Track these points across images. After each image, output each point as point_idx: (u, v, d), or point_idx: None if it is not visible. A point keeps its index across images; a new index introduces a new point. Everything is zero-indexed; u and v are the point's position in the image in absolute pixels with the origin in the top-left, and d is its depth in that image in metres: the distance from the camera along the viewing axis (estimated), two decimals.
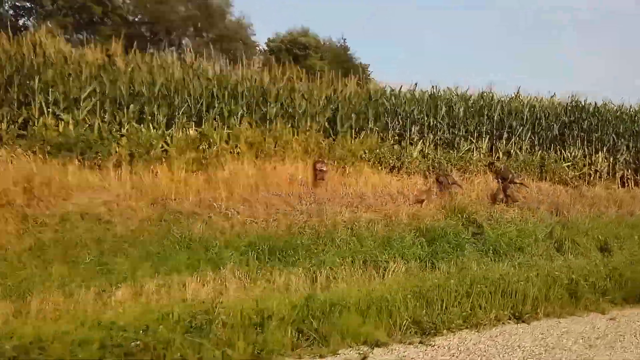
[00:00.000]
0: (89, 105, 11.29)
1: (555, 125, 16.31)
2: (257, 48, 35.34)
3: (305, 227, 9.92)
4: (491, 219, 11.60)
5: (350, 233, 10.09)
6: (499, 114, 15.61)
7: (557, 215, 12.43)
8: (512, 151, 15.44)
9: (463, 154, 14.55)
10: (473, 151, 15.02)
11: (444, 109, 14.94)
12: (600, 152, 16.75)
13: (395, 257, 9.17)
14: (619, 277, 8.57)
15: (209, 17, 31.40)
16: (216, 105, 12.40)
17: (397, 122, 14.16)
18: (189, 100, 12.09)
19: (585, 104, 17.23)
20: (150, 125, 11.41)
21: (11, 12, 28.28)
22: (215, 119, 12.23)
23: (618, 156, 17.06)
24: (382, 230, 10.42)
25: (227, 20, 32.21)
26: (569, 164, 16.13)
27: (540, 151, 15.84)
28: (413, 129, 14.32)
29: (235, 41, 31.78)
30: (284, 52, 34.41)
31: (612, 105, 17.85)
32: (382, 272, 8.81)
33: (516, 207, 12.37)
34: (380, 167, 12.43)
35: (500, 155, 15.05)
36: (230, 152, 11.04)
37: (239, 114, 12.48)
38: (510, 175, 13.19)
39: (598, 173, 16.63)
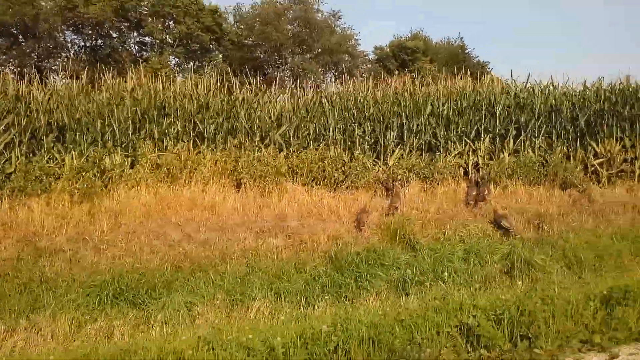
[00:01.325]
0: (7, 138, 11.10)
1: (580, 115, 13.80)
2: (365, 57, 35.72)
3: (186, 260, 8.84)
4: (441, 237, 9.81)
5: (243, 264, 8.89)
6: (504, 107, 13.49)
7: (539, 229, 10.26)
8: (521, 150, 13.28)
9: (452, 158, 12.77)
10: (469, 154, 13.12)
11: (428, 108, 13.17)
12: None
13: (267, 294, 7.85)
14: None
15: (313, 33, 31.93)
16: (147, 126, 11.78)
17: (369, 128, 12.68)
18: (114, 125, 11.56)
19: (624, 85, 14.47)
20: (72, 154, 11.03)
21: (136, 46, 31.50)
22: (146, 140, 11.62)
23: None
24: (290, 258, 9.09)
25: (332, 33, 32.30)
26: (600, 160, 13.63)
27: (561, 147, 13.50)
28: (389, 134, 12.72)
29: (340, 53, 32.28)
30: (391, 58, 34.55)
31: None
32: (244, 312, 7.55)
33: (485, 221, 10.38)
34: (321, 183, 11.03)
35: (506, 156, 12.97)
36: (134, 177, 10.25)
37: (172, 134, 11.77)
38: (481, 180, 11.20)
39: None
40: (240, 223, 9.87)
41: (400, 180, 11.15)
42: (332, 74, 33.33)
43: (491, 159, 13.14)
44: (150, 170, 10.31)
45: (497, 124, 13.33)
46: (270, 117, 12.00)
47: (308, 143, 12.25)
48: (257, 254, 9.14)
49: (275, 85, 13.90)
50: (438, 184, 11.32)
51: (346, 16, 64.51)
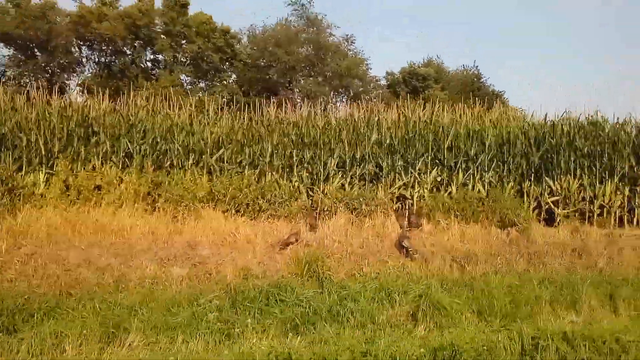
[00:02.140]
0: None
1: (533, 150, 13.43)
2: (377, 82, 36.04)
3: (78, 287, 8.54)
4: (357, 274, 9.44)
5: (137, 293, 8.55)
6: (452, 140, 13.13)
7: (463, 268, 9.85)
8: (469, 184, 12.90)
9: (395, 189, 12.43)
10: (414, 186, 12.76)
11: (374, 136, 12.87)
12: (608, 182, 13.53)
13: (146, 328, 7.51)
14: None
15: (323, 57, 32.25)
16: (75, 144, 11.58)
17: (307, 154, 12.38)
18: (40, 141, 11.37)
19: (584, 119, 14.12)
20: None
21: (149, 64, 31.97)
22: (74, 159, 11.42)
23: (638, 187, 13.72)
24: (188, 289, 8.76)
25: (345, 57, 32.68)
26: (556, 198, 13.22)
27: (512, 183, 13.11)
28: (330, 162, 12.41)
29: (350, 77, 32.25)
30: (402, 84, 34.72)
31: (619, 121, 14.48)
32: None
33: (412, 259, 9.99)
34: (243, 210, 10.71)
35: (454, 190, 12.57)
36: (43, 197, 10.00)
37: (100, 153, 11.56)
38: (410, 216, 10.84)
39: (605, 209, 13.46)
40: (147, 249, 9.58)
41: (326, 210, 10.78)
42: (342, 98, 33.36)
43: (439, 191, 12.78)
44: (61, 191, 10.02)
45: (446, 155, 12.97)
46: (202, 140, 11.70)
47: (244, 168, 11.97)
48: (156, 283, 8.82)
49: (283, 107, 13.87)
50: (365, 216, 10.92)
51: (359, 40, 64.93)
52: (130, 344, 7.18)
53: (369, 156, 12.64)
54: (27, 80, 28.36)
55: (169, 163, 11.85)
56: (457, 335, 6.16)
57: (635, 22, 66.06)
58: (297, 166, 12.20)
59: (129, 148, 11.67)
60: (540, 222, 12.90)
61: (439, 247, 10.36)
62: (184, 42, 30.85)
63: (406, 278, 9.42)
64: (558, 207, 13.32)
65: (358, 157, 12.59)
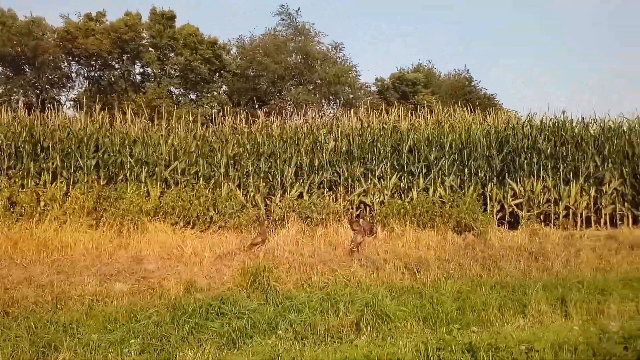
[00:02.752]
0: None
1: (494, 153, 13.35)
2: (367, 89, 36.25)
3: (15, 305, 8.37)
4: (304, 284, 9.30)
5: (77, 310, 8.39)
6: (411, 146, 13.04)
7: (414, 275, 9.72)
8: (430, 189, 12.80)
9: (355, 196, 12.32)
10: (375, 193, 12.64)
11: (331, 143, 12.76)
12: (573, 183, 13.45)
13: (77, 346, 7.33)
14: None
15: (310, 65, 32.66)
16: (25, 160, 11.44)
17: (264, 163, 12.27)
18: None
19: (543, 122, 14.05)
20: None
21: (138, 77, 32.45)
22: (24, 175, 11.28)
23: (604, 186, 13.63)
24: (129, 305, 8.59)
25: (334, 65, 32.98)
26: (519, 201, 13.13)
27: (474, 186, 13.02)
28: (287, 171, 12.30)
29: (338, 85, 32.78)
30: (391, 90, 34.90)
31: (584, 121, 14.44)
32: None
33: (363, 267, 9.85)
34: (193, 223, 10.58)
35: (415, 195, 12.47)
36: None
37: (51, 168, 11.43)
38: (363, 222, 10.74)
39: (571, 211, 13.38)
40: (90, 265, 9.44)
41: (279, 220, 10.66)
42: (333, 105, 33.49)
43: (400, 197, 12.68)
44: (5, 208, 9.87)
45: (406, 160, 12.87)
46: (155, 153, 11.58)
47: (198, 180, 11.84)
48: (96, 300, 8.66)
49: (273, 116, 13.85)
50: (317, 225, 10.80)
51: (349, 43, 65.01)
52: None
53: (327, 163, 12.53)
54: (17, 97, 28.45)
55: (122, 176, 11.72)
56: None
57: (630, 21, 66.45)
58: (252, 176, 12.08)
59: (79, 163, 11.53)
60: (503, 225, 12.85)
61: (392, 254, 10.26)
62: (171, 54, 30.92)
63: (355, 287, 9.30)
64: (522, 210, 13.24)
65: (316, 165, 12.48)
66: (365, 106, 18.24)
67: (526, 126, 13.99)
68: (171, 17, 31.07)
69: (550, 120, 14.22)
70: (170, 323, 8.11)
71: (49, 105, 14.67)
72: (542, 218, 13.37)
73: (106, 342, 7.53)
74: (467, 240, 11.03)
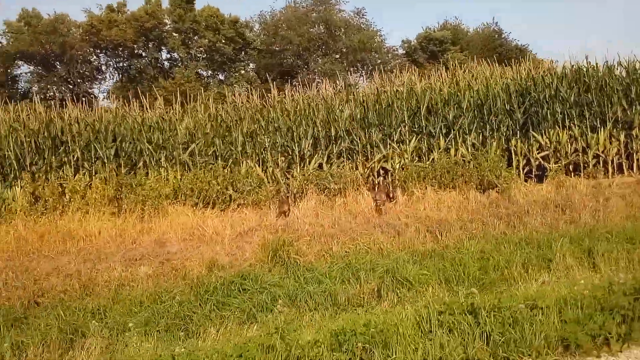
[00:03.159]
0: None
1: (517, 106, 13.01)
2: (395, 52, 35.89)
3: (45, 295, 8.63)
4: (325, 255, 9.31)
5: (104, 296, 8.60)
6: (428, 107, 12.81)
7: (437, 237, 9.62)
8: (452, 149, 12.59)
9: (375, 163, 12.24)
10: (394, 158, 12.49)
11: (346, 112, 12.64)
12: (600, 130, 13.04)
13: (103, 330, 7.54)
14: None
15: (334, 34, 32.58)
16: (46, 155, 11.68)
17: (279, 138, 12.25)
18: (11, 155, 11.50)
19: (564, 69, 13.59)
20: None
21: (166, 63, 33.09)
22: (47, 170, 11.54)
23: (634, 130, 13.20)
24: (154, 287, 8.76)
25: (358, 31, 32.88)
26: (545, 153, 12.82)
27: (497, 142, 12.74)
28: (304, 144, 12.25)
29: (364, 51, 32.48)
30: (419, 51, 34.57)
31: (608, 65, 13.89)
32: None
33: (385, 233, 9.80)
34: (213, 203, 10.67)
35: (436, 156, 12.28)
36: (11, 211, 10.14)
37: (72, 161, 11.67)
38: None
39: (601, 159, 13.01)
40: (115, 251, 9.61)
41: (297, 193, 10.66)
42: (361, 72, 33.19)
43: (421, 160, 12.51)
44: (29, 203, 10.13)
45: (423, 122, 12.65)
46: (171, 137, 11.68)
47: (216, 160, 11.90)
48: (122, 284, 8.85)
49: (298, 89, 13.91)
50: (336, 194, 10.75)
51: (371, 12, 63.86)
52: (88, 348, 7.22)
53: (344, 132, 12.41)
54: (52, 94, 29.31)
55: (141, 163, 11.87)
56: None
57: None
58: (270, 152, 12.07)
59: (98, 153, 11.70)
60: (531, 179, 12.57)
61: (413, 218, 10.16)
62: (195, 37, 31.01)
63: (376, 254, 9.25)
64: (549, 162, 12.91)
65: (333, 134, 12.38)
66: (394, 70, 18.05)
67: (546, 75, 13.55)
68: (190, 1, 31.06)
69: (572, 66, 13.74)
70: (194, 302, 8.25)
71: (83, 98, 14.93)
72: (571, 169, 13.02)
73: (132, 324, 7.74)
74: (490, 198, 10.83)
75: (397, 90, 13.16)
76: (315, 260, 9.27)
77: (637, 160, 13.32)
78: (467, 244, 9.26)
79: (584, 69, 13.64)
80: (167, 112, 12.89)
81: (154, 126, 11.99)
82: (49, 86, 30.30)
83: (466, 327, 4.70)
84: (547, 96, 13.06)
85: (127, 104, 13.70)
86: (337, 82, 15.83)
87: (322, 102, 12.99)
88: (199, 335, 7.36)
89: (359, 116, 12.39)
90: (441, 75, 14.20)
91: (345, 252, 9.33)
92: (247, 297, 8.16)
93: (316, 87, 14.59)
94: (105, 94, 32.02)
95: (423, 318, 4.99)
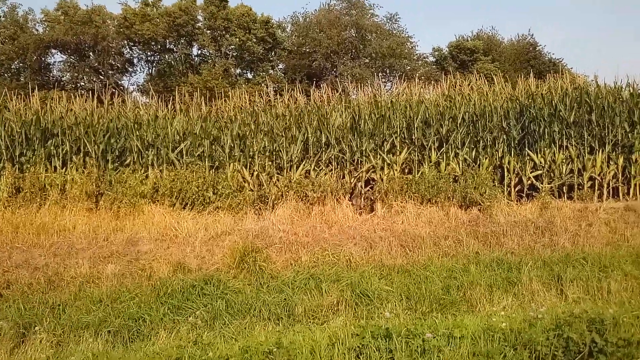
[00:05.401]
0: None
1: (511, 123, 12.75)
2: (425, 60, 35.83)
3: (10, 288, 8.72)
4: (293, 263, 9.24)
5: (69, 292, 8.66)
6: (422, 119, 12.60)
7: (409, 253, 9.47)
8: (443, 163, 12.39)
9: (362, 173, 12.12)
10: (383, 168, 12.36)
11: (337, 119, 12.53)
12: (598, 152, 12.72)
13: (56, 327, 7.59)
14: None
15: (364, 39, 32.61)
16: (36, 146, 11.84)
17: (267, 142, 12.20)
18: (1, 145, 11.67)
19: (564, 89, 13.27)
20: None
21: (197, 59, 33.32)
22: (36, 162, 11.68)
23: (634, 155, 12.84)
24: (117, 286, 8.79)
25: (389, 37, 32.94)
26: (538, 172, 12.55)
27: (489, 159, 12.52)
28: (293, 149, 12.18)
29: (393, 58, 32.52)
30: (449, 59, 34.43)
31: (612, 86, 13.53)
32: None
33: (357, 245, 9.68)
34: (192, 204, 10.67)
35: (426, 170, 12.08)
36: None
37: (61, 154, 11.80)
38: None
39: (596, 182, 12.68)
40: (86, 247, 9.68)
41: (275, 199, 10.59)
42: (389, 78, 33.08)
43: (410, 172, 12.34)
44: (9, 194, 10.27)
45: (416, 134, 12.46)
46: (159, 136, 11.73)
47: (203, 161, 11.90)
48: (88, 281, 8.90)
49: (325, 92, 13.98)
50: (313, 203, 10.65)
51: (404, 17, 63.49)
52: (39, 344, 7.26)
53: (334, 140, 12.30)
54: (83, 84, 29.95)
55: (129, 160, 11.95)
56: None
57: None
58: (258, 156, 12.02)
59: (87, 148, 11.81)
60: (522, 199, 12.31)
61: (388, 232, 10.02)
62: (226, 35, 31.24)
63: (344, 266, 9.15)
64: (542, 182, 12.61)
65: (323, 141, 12.29)
66: (422, 78, 17.88)
67: (547, 93, 13.24)
68: None
69: (572, 86, 13.41)
70: (152, 304, 8.26)
71: (113, 90, 15.16)
72: (564, 190, 12.69)
73: (86, 323, 7.76)
74: (471, 215, 10.63)
75: (392, 101, 12.97)
76: (282, 268, 9.21)
77: (635, 185, 12.93)
78: (436, 262, 9.12)
79: (586, 89, 13.29)
80: (158, 110, 12.94)
81: (144, 123, 12.04)
82: (80, 76, 30.88)
83: (374, 354, 4.58)
84: (545, 114, 12.76)
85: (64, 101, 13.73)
86: (366, 86, 15.68)
87: (314, 107, 12.89)
88: (150, 338, 7.37)
89: (348, 124, 12.26)
90: (440, 86, 13.99)
91: (314, 262, 9.25)
92: (207, 302, 8.14)
93: (343, 90, 14.51)
94: (134, 87, 32.60)
95: (338, 339, 4.88)
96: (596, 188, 12.79)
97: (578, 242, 9.80)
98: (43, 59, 31.19)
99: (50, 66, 32.08)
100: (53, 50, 31.03)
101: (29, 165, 11.48)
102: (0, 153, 11.62)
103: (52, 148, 11.76)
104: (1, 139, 11.59)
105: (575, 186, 12.74)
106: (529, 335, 4.48)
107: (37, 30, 30.85)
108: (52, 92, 16.00)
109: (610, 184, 12.80)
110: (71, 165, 11.67)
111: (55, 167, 11.68)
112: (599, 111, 12.97)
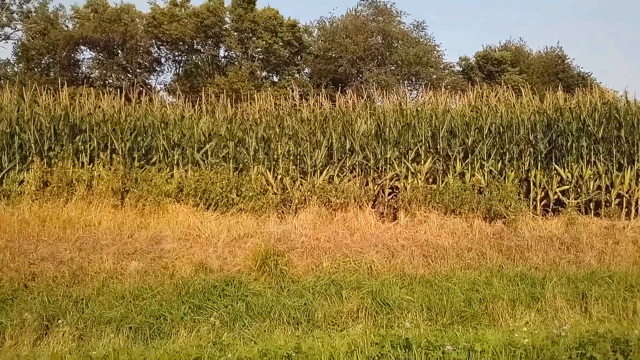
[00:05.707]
0: None
1: (541, 137, 12.64)
2: (451, 69, 35.93)
3: (35, 280, 8.87)
4: (314, 269, 9.26)
5: (92, 287, 8.77)
6: (447, 129, 12.55)
7: (432, 263, 9.42)
8: (467, 174, 12.33)
9: (385, 180, 12.11)
10: (407, 177, 12.32)
11: (363, 126, 12.53)
12: (627, 169, 12.56)
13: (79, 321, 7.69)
14: None
15: (390, 45, 32.76)
16: (64, 142, 12.03)
17: (292, 146, 12.26)
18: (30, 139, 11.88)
19: (593, 104, 13.12)
20: None
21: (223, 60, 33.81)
22: (64, 157, 11.87)
23: None
24: (139, 284, 8.88)
25: (416, 44, 33.08)
26: (565, 187, 12.41)
27: (515, 172, 12.43)
28: (317, 154, 12.22)
29: (419, 65, 32.61)
30: (476, 69, 34.48)
31: None
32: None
33: (379, 253, 9.67)
34: (216, 205, 10.76)
35: (451, 180, 12.02)
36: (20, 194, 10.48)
37: (88, 150, 11.99)
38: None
39: (624, 199, 12.51)
40: (111, 243, 9.80)
41: (298, 203, 10.63)
42: (415, 86, 33.09)
43: (435, 182, 12.30)
44: (37, 188, 10.45)
45: (441, 144, 12.42)
46: (184, 136, 11.85)
47: (228, 162, 11.99)
48: (111, 277, 9.01)
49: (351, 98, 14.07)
50: (336, 209, 10.66)
51: (431, 25, 63.35)
52: (62, 337, 7.37)
53: (359, 147, 12.30)
54: (111, 81, 30.45)
55: (155, 159, 12.10)
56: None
57: None
58: (282, 159, 12.08)
59: (114, 145, 11.97)
60: (548, 214, 12.19)
61: (411, 241, 9.99)
62: (253, 38, 31.50)
63: (365, 273, 9.14)
64: (569, 197, 12.47)
65: (347, 148, 12.31)
66: (448, 87, 17.82)
67: (575, 107, 13.12)
68: (251, 1, 31.52)
69: (602, 101, 13.27)
70: (174, 302, 8.33)
71: (140, 89, 15.38)
72: (591, 207, 12.54)
73: (108, 319, 7.86)
74: (495, 228, 10.55)
75: (417, 109, 12.95)
76: (303, 273, 9.23)
77: None
78: (458, 273, 9.06)
79: (615, 104, 13.13)
80: (184, 110, 13.09)
81: (170, 123, 12.18)
82: (108, 73, 31.33)
83: None
84: (574, 129, 12.63)
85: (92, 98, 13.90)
86: (391, 93, 15.68)
87: (339, 113, 12.91)
88: (170, 336, 7.44)
89: (373, 132, 12.26)
90: (466, 96, 13.94)
91: (335, 268, 9.26)
92: (228, 303, 8.18)
93: (368, 97, 14.53)
94: (161, 86, 32.98)
95: (357, 347, 4.88)
96: (624, 206, 12.61)
97: (604, 260, 9.67)
98: (72, 55, 31.76)
99: (80, 63, 32.71)
100: (82, 47, 31.61)
101: (57, 160, 11.65)
102: (29, 147, 11.82)
103: (79, 144, 11.95)
104: (30, 133, 11.79)
105: (603, 203, 12.58)
106: (552, 352, 4.44)
107: (67, 26, 31.43)
108: (80, 88, 16.22)
109: (639, 202, 12.63)
110: (98, 161, 11.83)
111: (82, 163, 11.86)
112: (628, 128, 12.80)
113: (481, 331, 6.21)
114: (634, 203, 12.64)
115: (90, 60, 32.29)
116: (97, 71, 31.99)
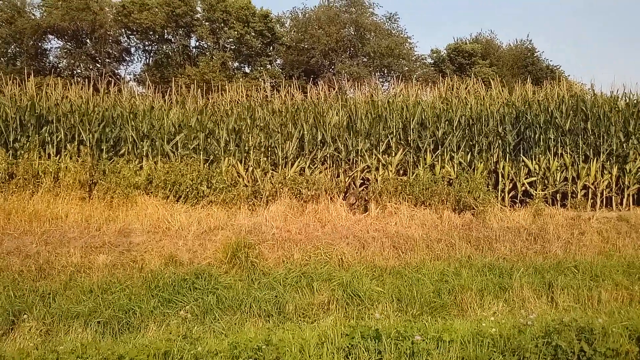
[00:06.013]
0: None
1: (509, 129, 12.80)
2: (423, 61, 35.82)
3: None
4: (285, 261, 9.26)
5: (59, 281, 8.64)
6: (418, 120, 12.63)
7: (402, 255, 9.51)
8: (437, 166, 12.43)
9: (356, 172, 12.15)
10: (378, 169, 12.38)
11: (334, 118, 12.53)
12: (593, 161, 12.78)
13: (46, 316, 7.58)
14: None
15: (362, 37, 32.59)
16: (30, 133, 11.78)
17: (263, 138, 12.21)
18: None
19: (560, 96, 13.34)
20: None
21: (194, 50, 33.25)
22: (30, 148, 11.63)
23: (628, 165, 12.90)
24: (107, 277, 8.77)
25: (388, 36, 32.91)
26: (532, 179, 12.60)
27: (484, 163, 12.57)
28: (288, 146, 12.19)
29: (391, 57, 32.41)
30: (447, 62, 34.41)
31: (609, 95, 13.62)
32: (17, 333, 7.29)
33: (350, 245, 9.71)
34: (186, 197, 10.67)
35: (421, 172, 12.11)
36: None
37: (55, 141, 11.76)
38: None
39: (590, 190, 12.75)
40: (78, 237, 9.67)
41: (269, 196, 10.61)
42: (387, 78, 33.07)
43: (405, 174, 12.38)
44: (3, 180, 10.23)
45: (412, 136, 12.50)
46: (154, 127, 11.71)
47: (199, 154, 11.89)
48: (79, 271, 8.89)
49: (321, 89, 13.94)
50: (307, 201, 10.67)
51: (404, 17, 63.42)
52: (28, 332, 7.26)
53: (330, 139, 12.31)
54: (79, 71, 29.78)
55: (124, 150, 11.94)
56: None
57: None
58: (253, 151, 12.02)
59: (82, 136, 11.77)
60: (515, 205, 12.37)
61: (381, 232, 10.05)
62: (224, 28, 31.13)
63: (336, 265, 9.18)
64: (536, 189, 12.67)
65: (319, 139, 12.31)
66: (419, 79, 17.91)
67: (543, 100, 13.32)
68: None
69: (569, 93, 13.50)
70: (143, 296, 8.27)
71: (109, 79, 15.09)
72: (558, 198, 12.77)
73: (76, 313, 7.76)
74: (464, 219, 10.68)
75: (389, 101, 12.99)
76: (274, 265, 9.23)
77: (628, 195, 13.03)
78: (428, 265, 9.17)
79: (582, 97, 13.37)
80: (153, 101, 12.93)
81: (139, 114, 12.02)
82: (77, 63, 30.71)
83: (362, 354, 4.62)
84: (541, 121, 12.83)
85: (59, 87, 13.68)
86: (363, 85, 15.67)
87: (311, 105, 12.90)
88: (139, 330, 7.39)
89: (344, 123, 12.28)
90: (437, 88, 14.05)
91: (306, 260, 9.28)
92: (198, 297, 8.15)
93: (340, 89, 14.52)
94: (131, 76, 32.47)
95: (328, 339, 4.92)
96: (590, 197, 12.88)
97: (570, 250, 9.88)
98: (40, 44, 31.06)
99: (47, 52, 31.98)
100: (50, 36, 30.89)
101: (22, 152, 11.43)
102: None
103: (46, 135, 11.73)
104: None
105: (569, 194, 12.82)
106: (518, 341, 4.54)
107: (34, 14, 30.67)
108: (48, 78, 15.95)
109: (604, 194, 12.90)
110: (65, 153, 11.62)
111: (49, 155, 11.64)
112: (595, 120, 13.05)
113: (450, 321, 6.30)
114: (599, 194, 12.91)
115: (58, 49, 31.61)
116: (64, 61, 31.31)
